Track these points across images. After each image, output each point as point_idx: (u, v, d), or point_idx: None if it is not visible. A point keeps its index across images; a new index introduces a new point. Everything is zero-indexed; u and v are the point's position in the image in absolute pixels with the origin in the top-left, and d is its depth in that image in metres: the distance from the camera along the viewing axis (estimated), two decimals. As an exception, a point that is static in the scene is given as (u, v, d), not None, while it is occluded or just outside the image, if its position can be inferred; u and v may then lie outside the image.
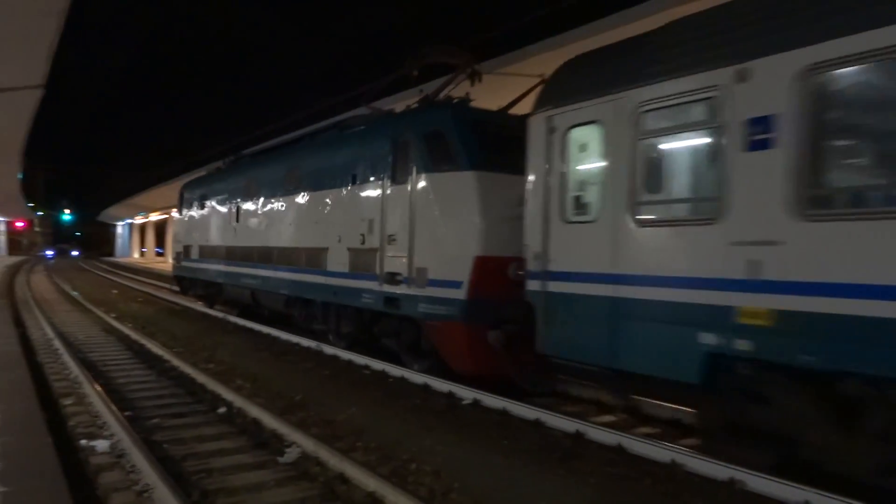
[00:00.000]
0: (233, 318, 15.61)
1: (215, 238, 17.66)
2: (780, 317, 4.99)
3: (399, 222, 9.47)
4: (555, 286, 7.09)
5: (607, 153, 6.57)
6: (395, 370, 9.45)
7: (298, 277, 12.46)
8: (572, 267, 6.89)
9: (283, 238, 13.24)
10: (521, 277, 7.65)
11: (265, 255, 14.05)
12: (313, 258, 11.87)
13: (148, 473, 5.17)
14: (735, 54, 5.40)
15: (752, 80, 5.27)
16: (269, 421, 6.73)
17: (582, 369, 6.85)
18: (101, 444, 6.05)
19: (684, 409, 7.12)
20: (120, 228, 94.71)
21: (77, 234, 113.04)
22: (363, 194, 10.46)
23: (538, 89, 8.28)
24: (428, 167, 9.02)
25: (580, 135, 6.96)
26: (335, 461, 5.50)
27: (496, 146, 8.52)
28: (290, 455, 5.84)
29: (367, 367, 9.98)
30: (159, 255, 76.68)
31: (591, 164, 6.90)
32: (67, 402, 7.73)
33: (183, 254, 20.67)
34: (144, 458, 5.37)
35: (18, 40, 10.77)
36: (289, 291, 12.95)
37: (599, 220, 6.63)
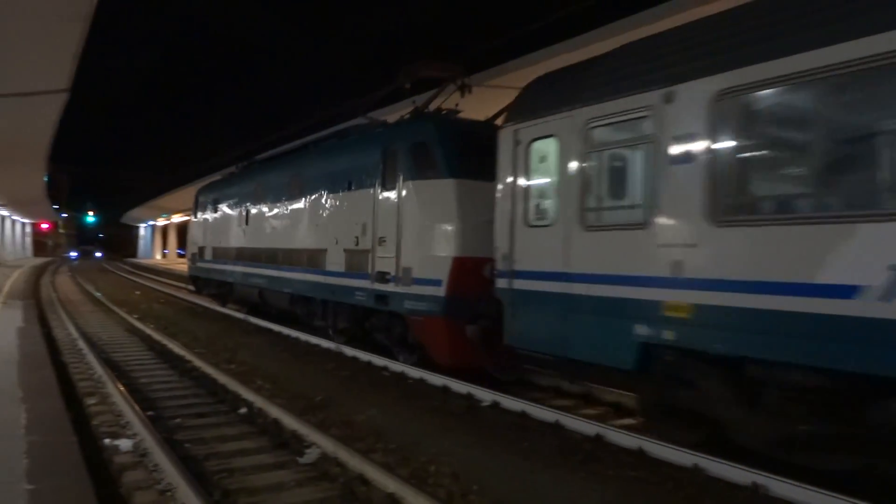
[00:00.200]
0: (253, 319, 15.73)
1: (226, 240, 18.58)
2: (697, 310, 5.68)
3: (388, 225, 10.19)
4: (519, 284, 7.79)
5: (561, 164, 7.27)
6: (414, 371, 9.47)
7: (300, 277, 13.22)
8: (533, 267, 7.60)
9: (287, 240, 14.10)
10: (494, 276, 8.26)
11: (271, 256, 14.93)
12: (313, 259, 12.64)
13: (170, 473, 5.23)
14: (664, 79, 6.08)
15: (676, 101, 5.94)
16: (290, 421, 6.77)
17: (542, 359, 7.54)
18: (125, 444, 6.13)
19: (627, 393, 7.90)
20: (142, 230, 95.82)
21: (100, 235, 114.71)
22: (357, 199, 11.20)
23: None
24: (413, 175, 9.77)
25: (540, 147, 7.66)
26: (355, 462, 5.52)
27: (476, 155, 9.06)
28: (310, 455, 5.86)
29: (386, 368, 10.01)
30: (181, 256, 77.49)
31: (548, 173, 7.59)
32: (91, 401, 7.84)
33: (197, 255, 21.68)
34: (167, 458, 5.43)
35: (45, 45, 10.95)
36: (292, 290, 13.75)
37: (555, 225, 7.34)
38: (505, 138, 8.09)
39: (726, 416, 5.67)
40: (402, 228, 9.86)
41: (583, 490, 5.26)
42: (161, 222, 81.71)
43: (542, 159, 7.65)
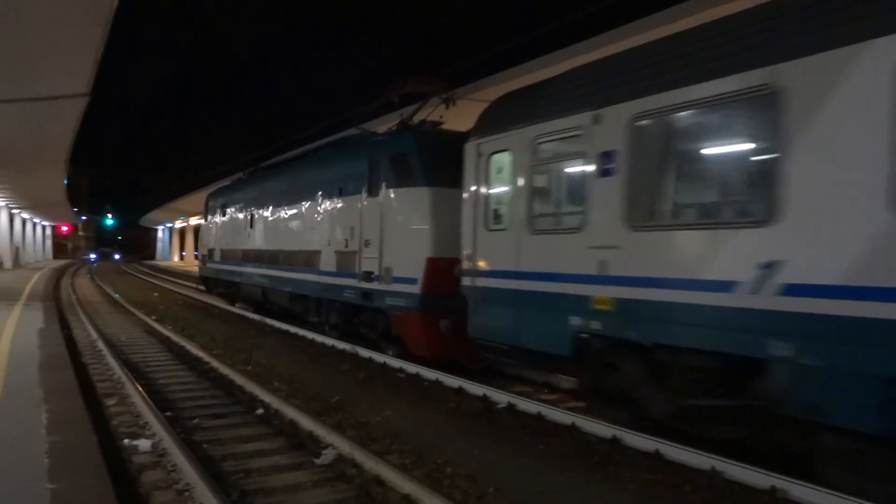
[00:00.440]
0: (269, 321, 15.85)
1: (233, 242, 19.78)
2: (618, 303, 6.53)
3: (373, 229, 11.09)
4: (480, 282, 8.67)
5: (514, 175, 8.12)
6: (429, 373, 9.49)
7: (298, 276, 14.24)
8: (491, 266, 8.49)
9: (287, 242, 15.16)
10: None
11: (272, 258, 16.04)
12: (309, 260, 13.62)
13: (189, 473, 5.28)
14: (593, 103, 6.95)
15: (602, 123, 6.82)
16: (306, 423, 6.81)
17: (498, 348, 8.38)
18: (144, 444, 6.20)
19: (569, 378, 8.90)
20: (160, 232, 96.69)
21: (119, 238, 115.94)
22: (347, 205, 12.16)
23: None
24: (394, 183, 10.70)
25: (498, 159, 8.51)
26: (371, 463, 5.54)
27: (451, 165, 9.55)
28: (327, 457, 5.89)
29: (401, 369, 10.03)
30: (198, 258, 77.96)
31: (504, 183, 8.44)
32: (111, 402, 7.94)
33: (207, 256, 22.91)
34: (185, 458, 5.48)
35: (67, 50, 11.07)
36: (291, 289, 14.76)
37: (509, 229, 8.17)
38: (469, 151, 8.94)
39: (642, 395, 6.50)
40: (384, 231, 10.76)
41: (599, 493, 5.25)
42: (179, 224, 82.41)
43: (500, 170, 8.51)
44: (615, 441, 6.42)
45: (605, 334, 6.69)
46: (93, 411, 6.99)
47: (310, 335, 13.38)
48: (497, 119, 8.64)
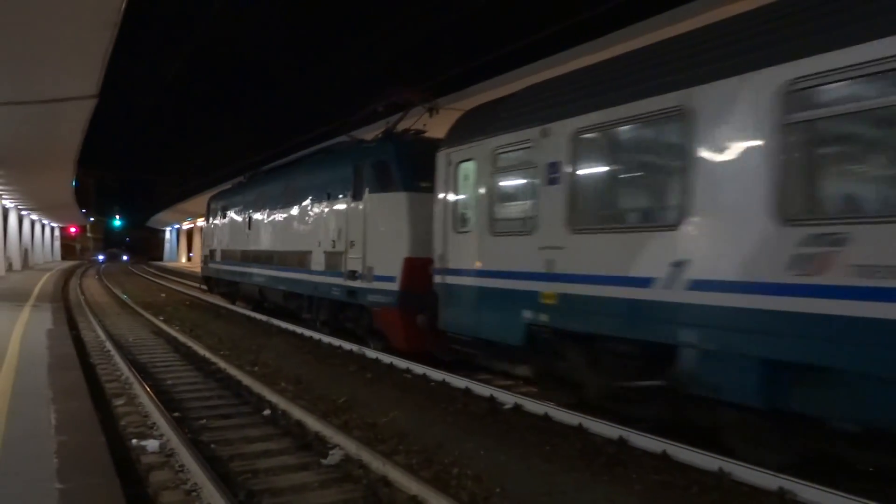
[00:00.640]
0: (276, 321, 15.89)
1: (233, 243, 20.62)
2: (562, 298, 7.29)
3: (357, 230, 11.85)
4: (449, 279, 9.42)
5: (477, 182, 8.89)
6: (435, 374, 9.50)
7: (291, 275, 15.04)
8: (458, 265, 9.23)
9: (281, 243, 16.02)
10: None
11: (268, 258, 16.90)
12: (301, 260, 14.39)
13: (196, 473, 5.30)
14: (542, 118, 7.69)
15: (550, 136, 7.55)
16: (313, 423, 6.82)
17: (463, 340, 9.15)
18: (152, 444, 6.22)
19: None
20: (168, 234, 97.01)
21: (126, 239, 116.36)
22: (335, 208, 12.89)
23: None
24: (376, 188, 11.45)
25: (465, 168, 9.25)
26: (378, 464, 5.55)
27: (428, 171, 10.05)
28: (334, 457, 5.90)
29: (408, 370, 10.04)
30: (205, 259, 78.13)
31: (469, 189, 9.18)
32: (119, 402, 7.97)
33: (209, 257, 23.75)
34: (193, 458, 5.50)
35: (76, 52, 11.14)
36: (285, 287, 15.57)
37: (473, 231, 8.96)
38: (441, 160, 9.71)
39: (582, 380, 7.34)
40: (367, 233, 11.53)
41: (606, 494, 5.24)
42: (186, 226, 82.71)
43: (466, 178, 9.24)
44: (622, 442, 6.40)
45: (552, 326, 7.44)
46: (101, 412, 7.03)
47: (316, 336, 13.41)
48: (464, 131, 9.39)
